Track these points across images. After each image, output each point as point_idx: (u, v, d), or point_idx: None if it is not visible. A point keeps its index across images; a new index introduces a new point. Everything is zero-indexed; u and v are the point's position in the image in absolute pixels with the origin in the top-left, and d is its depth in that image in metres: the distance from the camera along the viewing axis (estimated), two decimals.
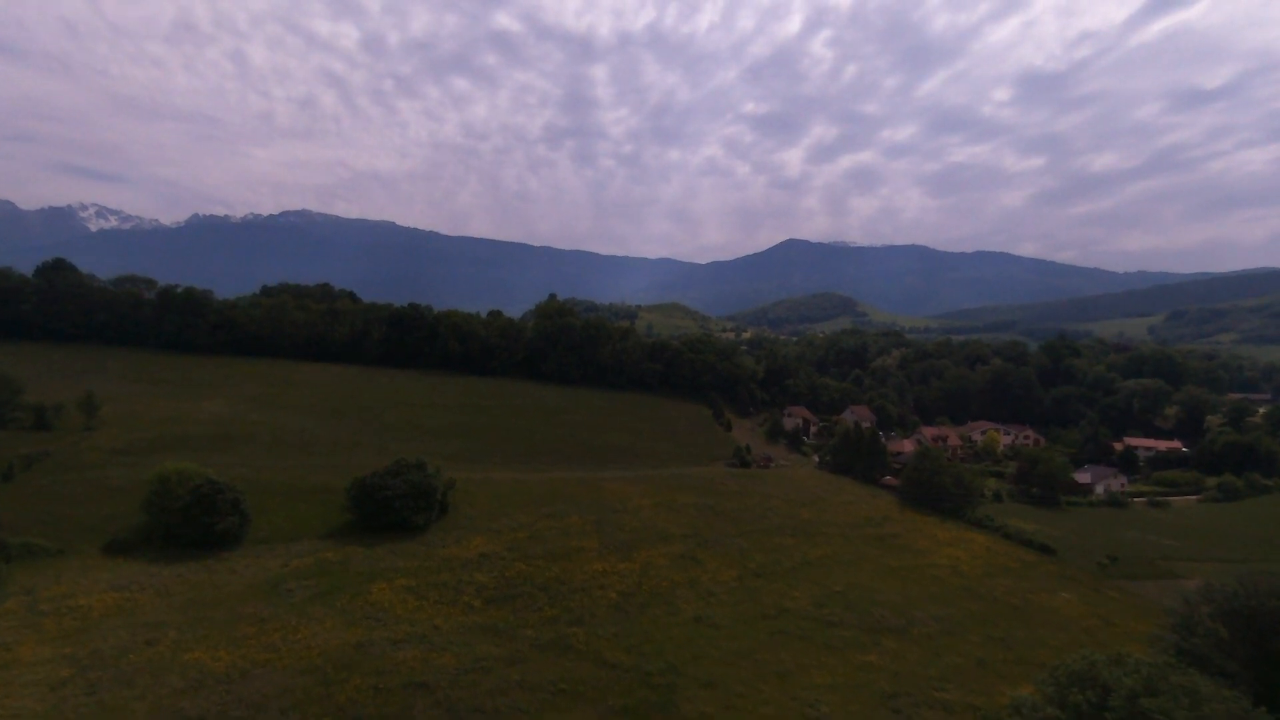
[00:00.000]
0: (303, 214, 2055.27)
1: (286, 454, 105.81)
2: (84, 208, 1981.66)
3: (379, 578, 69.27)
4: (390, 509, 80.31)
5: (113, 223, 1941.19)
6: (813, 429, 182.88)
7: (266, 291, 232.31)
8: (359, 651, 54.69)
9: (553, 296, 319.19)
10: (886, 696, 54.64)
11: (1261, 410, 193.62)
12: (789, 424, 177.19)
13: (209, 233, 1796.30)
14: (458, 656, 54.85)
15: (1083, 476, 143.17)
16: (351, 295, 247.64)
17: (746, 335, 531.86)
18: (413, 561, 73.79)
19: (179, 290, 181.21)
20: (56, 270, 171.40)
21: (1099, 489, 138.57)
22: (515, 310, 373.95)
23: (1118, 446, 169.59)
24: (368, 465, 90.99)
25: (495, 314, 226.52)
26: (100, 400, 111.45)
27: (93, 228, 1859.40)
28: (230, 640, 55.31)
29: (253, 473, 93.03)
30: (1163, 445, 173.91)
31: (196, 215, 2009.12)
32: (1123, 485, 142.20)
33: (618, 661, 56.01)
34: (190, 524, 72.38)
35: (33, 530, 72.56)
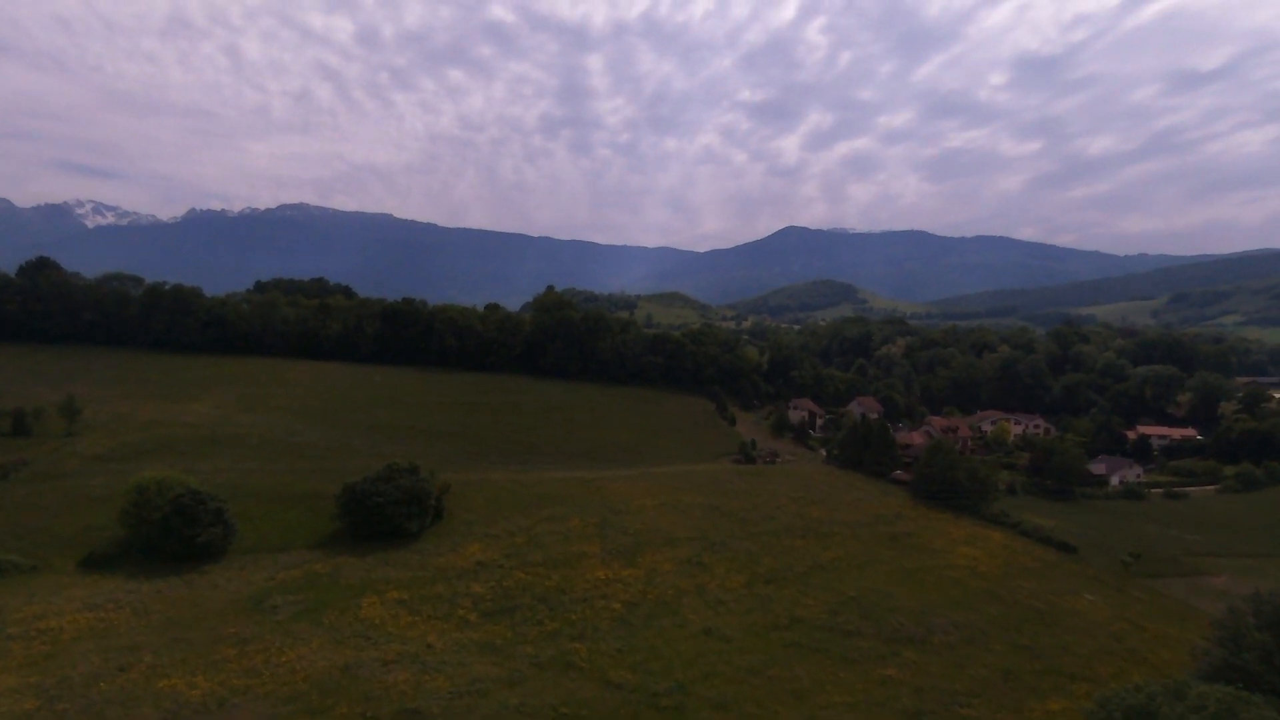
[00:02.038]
0: (300, 207, 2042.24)
1: (275, 457, 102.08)
2: (81, 204, 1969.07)
3: (370, 590, 65.79)
4: (382, 516, 76.62)
5: (110, 219, 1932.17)
6: (819, 422, 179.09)
7: (259, 287, 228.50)
8: (347, 675, 51.22)
9: (550, 288, 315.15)
10: (910, 715, 51.29)
11: (1278, 395, 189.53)
12: (794, 417, 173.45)
13: (206, 227, 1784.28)
14: (452, 678, 51.42)
15: (1097, 467, 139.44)
16: (346, 290, 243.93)
17: (747, 324, 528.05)
18: (405, 572, 70.29)
19: (167, 288, 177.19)
20: (40, 269, 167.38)
21: (1114, 480, 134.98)
22: (514, 301, 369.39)
23: (1131, 435, 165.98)
24: (359, 468, 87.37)
25: (493, 307, 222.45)
26: (83, 403, 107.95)
27: (90, 224, 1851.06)
28: (209, 664, 51.82)
29: (239, 478, 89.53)
30: (1177, 433, 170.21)
31: (194, 210, 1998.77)
32: (1138, 475, 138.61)
33: (623, 681, 52.54)
34: (170, 536, 68.90)
35: (6, 545, 69.31)
